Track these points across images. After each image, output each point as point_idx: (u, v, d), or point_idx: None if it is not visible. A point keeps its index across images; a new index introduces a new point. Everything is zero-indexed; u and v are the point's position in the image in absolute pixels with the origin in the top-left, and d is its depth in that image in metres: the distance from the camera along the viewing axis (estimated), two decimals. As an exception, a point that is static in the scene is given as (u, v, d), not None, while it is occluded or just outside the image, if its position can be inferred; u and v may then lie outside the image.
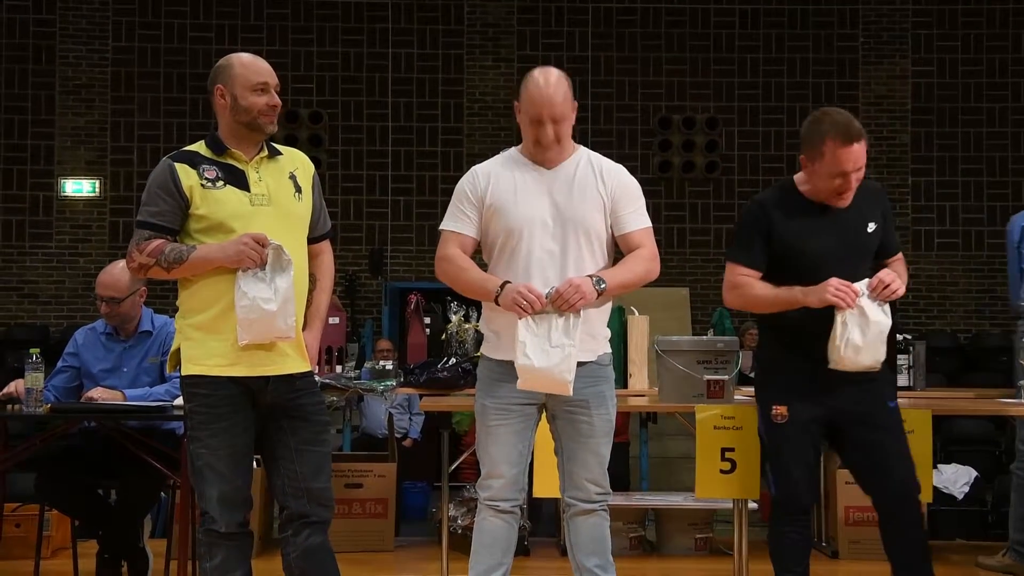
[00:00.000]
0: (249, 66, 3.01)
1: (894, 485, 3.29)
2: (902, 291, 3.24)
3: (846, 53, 11.01)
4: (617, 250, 3.21)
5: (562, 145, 3.12)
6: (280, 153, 3.12)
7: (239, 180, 2.99)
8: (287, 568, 3.04)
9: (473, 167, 3.24)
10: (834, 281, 3.18)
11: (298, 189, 3.09)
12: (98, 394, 3.93)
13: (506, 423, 3.09)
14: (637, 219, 3.16)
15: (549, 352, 2.95)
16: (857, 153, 3.15)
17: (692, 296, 9.90)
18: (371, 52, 10.89)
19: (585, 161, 3.16)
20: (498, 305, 3.04)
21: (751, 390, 5.19)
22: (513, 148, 3.23)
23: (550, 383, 2.98)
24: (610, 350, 3.22)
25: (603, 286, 3.03)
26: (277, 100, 3.02)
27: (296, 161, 3.15)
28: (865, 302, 3.20)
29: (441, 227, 3.20)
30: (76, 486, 4.02)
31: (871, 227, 3.32)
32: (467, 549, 5.12)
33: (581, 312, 2.99)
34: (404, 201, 10.89)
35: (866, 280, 3.23)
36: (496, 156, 3.26)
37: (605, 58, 10.98)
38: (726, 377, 3.91)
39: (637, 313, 4.67)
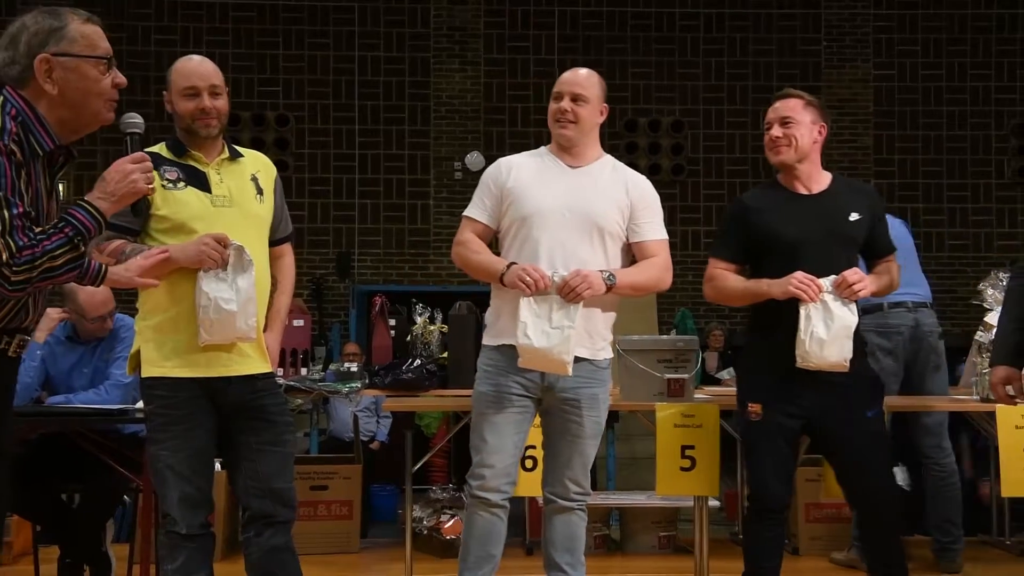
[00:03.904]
0: (180, 71, 3.01)
1: (870, 492, 3.32)
2: (867, 291, 3.24)
3: (809, 57, 11.15)
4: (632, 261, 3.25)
5: (582, 129, 3.19)
6: (242, 155, 3.13)
7: (200, 181, 3.00)
8: (249, 568, 3.03)
9: (499, 159, 3.31)
10: (799, 274, 3.20)
11: (259, 191, 3.09)
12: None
13: (503, 413, 3.11)
14: (654, 229, 3.24)
15: (549, 333, 2.98)
16: (779, 107, 3.39)
17: (659, 297, 9.96)
18: (337, 55, 10.87)
19: (611, 167, 3.27)
20: (503, 284, 3.07)
21: (714, 389, 5.26)
22: (543, 147, 3.32)
23: (549, 363, 3.02)
24: (611, 354, 3.25)
25: (613, 281, 3.08)
26: (208, 103, 2.96)
27: (258, 163, 3.16)
28: (829, 298, 3.20)
29: (463, 213, 3.27)
30: (37, 491, 3.98)
31: (853, 216, 3.34)
32: (432, 550, 5.12)
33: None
34: (371, 204, 10.88)
35: (832, 276, 3.23)
36: (526, 151, 3.34)
37: (571, 61, 10.98)
38: (686, 376, 3.95)
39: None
